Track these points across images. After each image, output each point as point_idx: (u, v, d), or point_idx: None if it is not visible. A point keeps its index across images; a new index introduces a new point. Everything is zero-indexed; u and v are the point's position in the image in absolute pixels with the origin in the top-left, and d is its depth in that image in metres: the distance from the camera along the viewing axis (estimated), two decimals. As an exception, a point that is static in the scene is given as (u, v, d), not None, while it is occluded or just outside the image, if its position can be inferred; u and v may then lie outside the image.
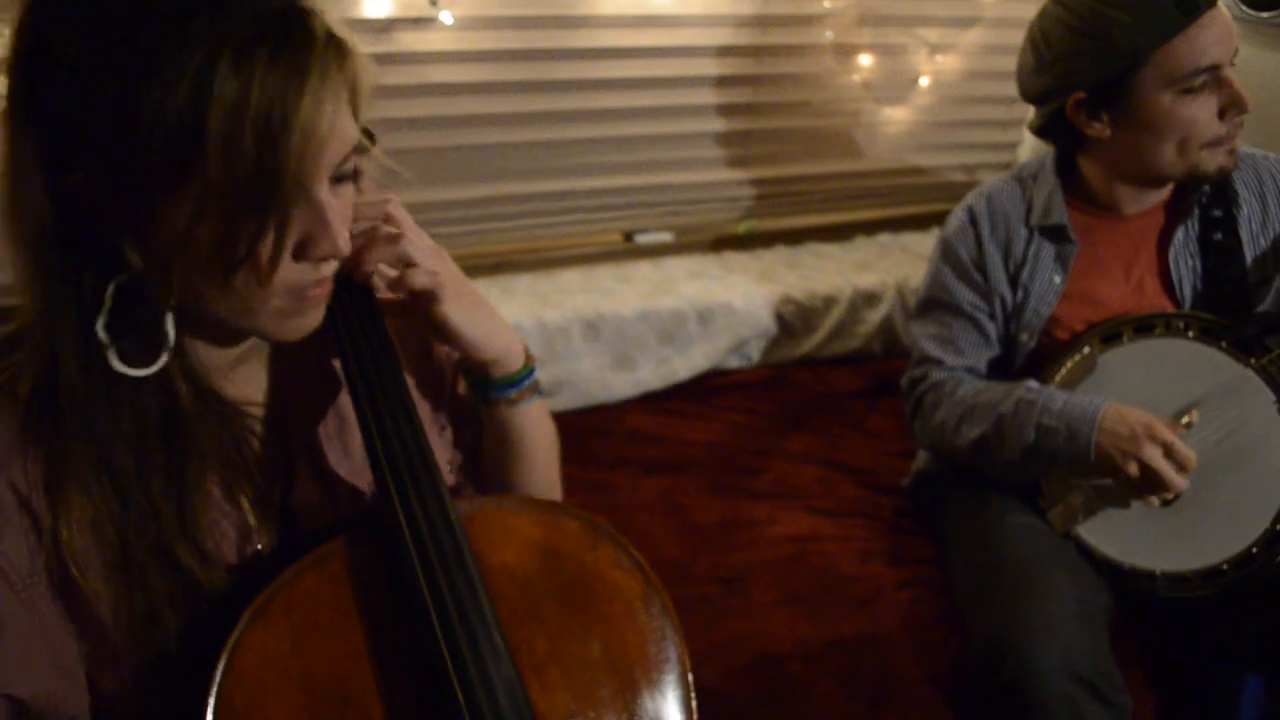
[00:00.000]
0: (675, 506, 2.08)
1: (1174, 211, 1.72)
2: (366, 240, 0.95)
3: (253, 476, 0.95)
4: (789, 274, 2.65)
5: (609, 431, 2.33)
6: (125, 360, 0.82)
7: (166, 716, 0.90)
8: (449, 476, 1.13)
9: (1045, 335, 1.74)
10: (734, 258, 2.74)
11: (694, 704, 0.94)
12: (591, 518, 1.01)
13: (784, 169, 2.74)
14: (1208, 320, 1.62)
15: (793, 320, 2.55)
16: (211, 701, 0.83)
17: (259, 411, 0.98)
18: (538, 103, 2.33)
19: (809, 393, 2.50)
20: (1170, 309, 1.69)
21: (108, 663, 0.88)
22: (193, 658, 0.87)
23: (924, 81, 2.73)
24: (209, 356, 0.92)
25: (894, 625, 1.69)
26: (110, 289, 0.80)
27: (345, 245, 0.81)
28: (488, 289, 2.44)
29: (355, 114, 0.84)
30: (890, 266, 2.71)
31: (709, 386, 2.50)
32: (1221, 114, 1.57)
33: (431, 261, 0.97)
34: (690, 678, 0.95)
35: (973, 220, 1.79)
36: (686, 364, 2.47)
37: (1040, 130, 1.75)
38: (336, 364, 1.01)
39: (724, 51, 2.46)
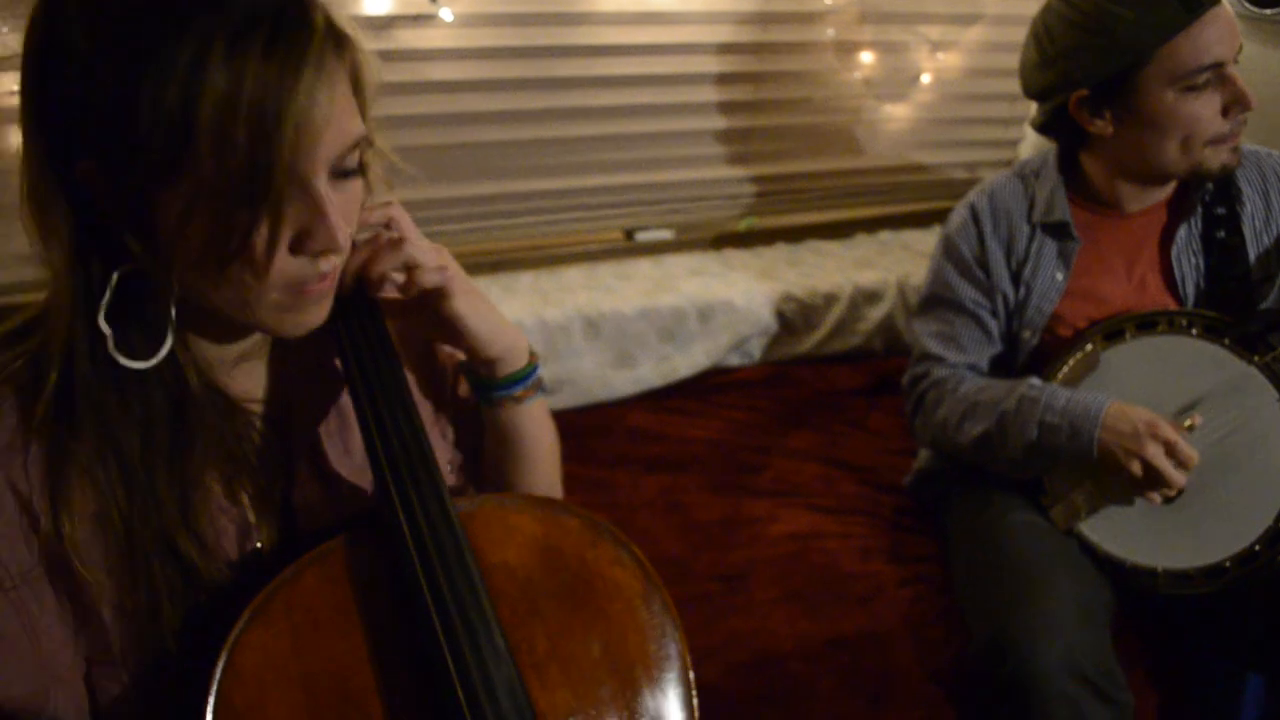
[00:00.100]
0: (676, 504, 2.08)
1: (1177, 209, 1.71)
2: (371, 250, 0.95)
3: (253, 473, 0.94)
4: (790, 271, 2.65)
5: (610, 429, 2.33)
6: (127, 351, 0.82)
7: (167, 717, 0.90)
8: (450, 476, 1.13)
9: (1047, 333, 1.74)
10: (735, 255, 2.74)
11: (695, 702, 0.94)
12: (592, 515, 1.01)
13: (785, 166, 2.74)
14: (1210, 318, 1.61)
15: (793, 318, 2.55)
16: (211, 701, 0.83)
17: (260, 409, 0.98)
18: (538, 100, 2.32)
19: (810, 390, 2.50)
20: (1173, 306, 1.68)
21: (108, 663, 0.88)
22: (192, 657, 0.86)
23: (925, 78, 2.73)
24: (212, 352, 0.92)
25: (895, 623, 1.69)
26: (114, 279, 0.80)
27: (345, 240, 0.80)
28: (489, 287, 2.44)
29: (363, 110, 0.83)
30: (891, 264, 2.71)
31: (710, 384, 2.50)
32: (1225, 111, 1.57)
33: (436, 259, 0.97)
34: (691, 675, 0.94)
35: (975, 217, 1.78)
36: (687, 362, 2.47)
37: (1042, 127, 1.75)
38: (339, 363, 1.01)
39: (725, 48, 2.46)
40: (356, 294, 0.98)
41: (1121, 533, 1.62)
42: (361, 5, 2.06)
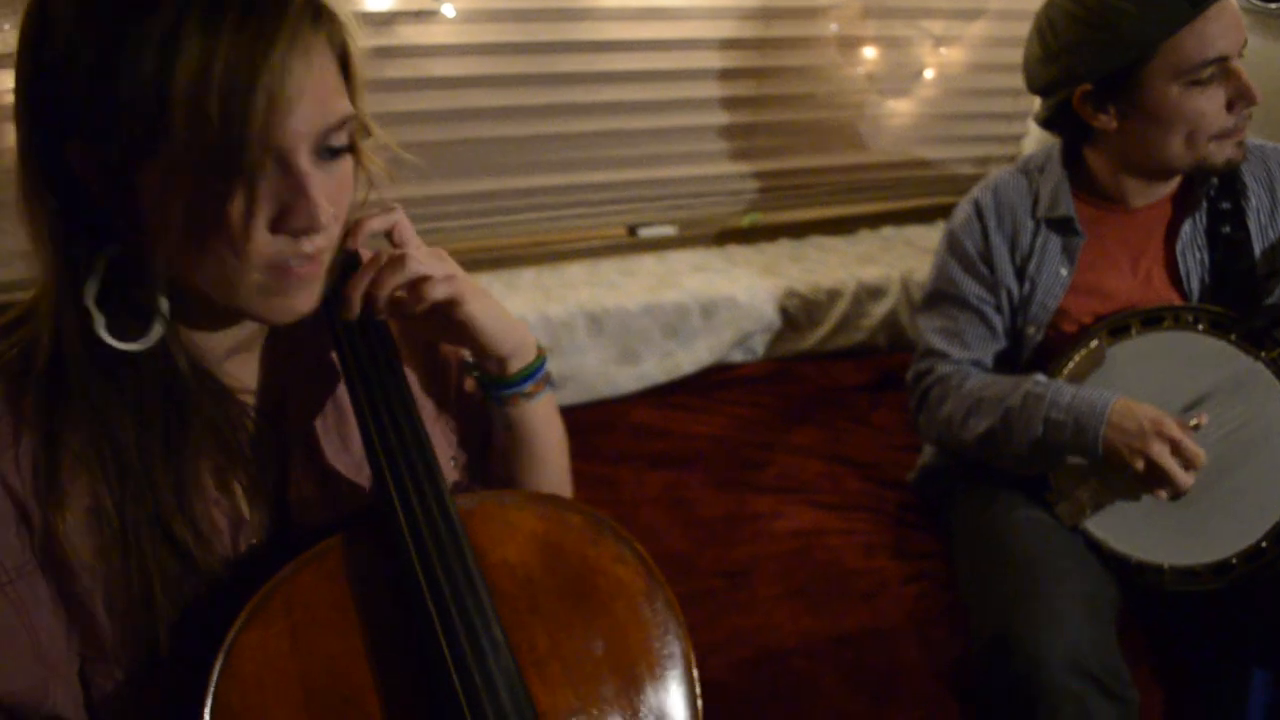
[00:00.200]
0: (679, 500, 2.08)
1: (1181, 204, 1.71)
2: (374, 273, 0.94)
3: (246, 464, 0.94)
4: (793, 267, 2.64)
5: (613, 426, 2.32)
6: (116, 333, 0.82)
7: (162, 714, 0.90)
8: (452, 474, 1.13)
9: (1052, 328, 1.73)
10: (737, 251, 2.74)
11: (699, 700, 0.93)
12: (594, 512, 1.00)
13: (787, 162, 2.73)
14: (1216, 313, 1.61)
15: (797, 314, 2.55)
16: (209, 701, 0.83)
17: (254, 400, 0.97)
18: (540, 96, 2.32)
19: (813, 386, 2.49)
20: (1178, 302, 1.68)
21: (101, 658, 0.88)
22: (186, 654, 0.86)
23: (928, 74, 2.72)
24: (204, 341, 0.91)
25: (899, 620, 1.69)
26: (101, 261, 0.81)
27: (327, 220, 0.79)
28: (491, 283, 2.44)
29: (351, 89, 0.83)
30: (894, 260, 2.70)
31: (713, 380, 2.49)
32: (1230, 106, 1.56)
33: (440, 268, 0.96)
34: (695, 673, 0.94)
35: (979, 213, 1.78)
36: (690, 358, 2.46)
37: (1046, 122, 1.74)
38: (334, 357, 1.00)
39: (728, 44, 2.45)
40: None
41: (1127, 529, 1.61)
42: (364, 1, 2.05)
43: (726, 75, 2.49)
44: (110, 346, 0.82)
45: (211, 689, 0.83)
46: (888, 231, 2.92)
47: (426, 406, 1.10)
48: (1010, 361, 1.80)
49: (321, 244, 0.83)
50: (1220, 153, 1.59)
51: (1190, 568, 1.57)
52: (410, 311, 0.96)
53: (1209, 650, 1.64)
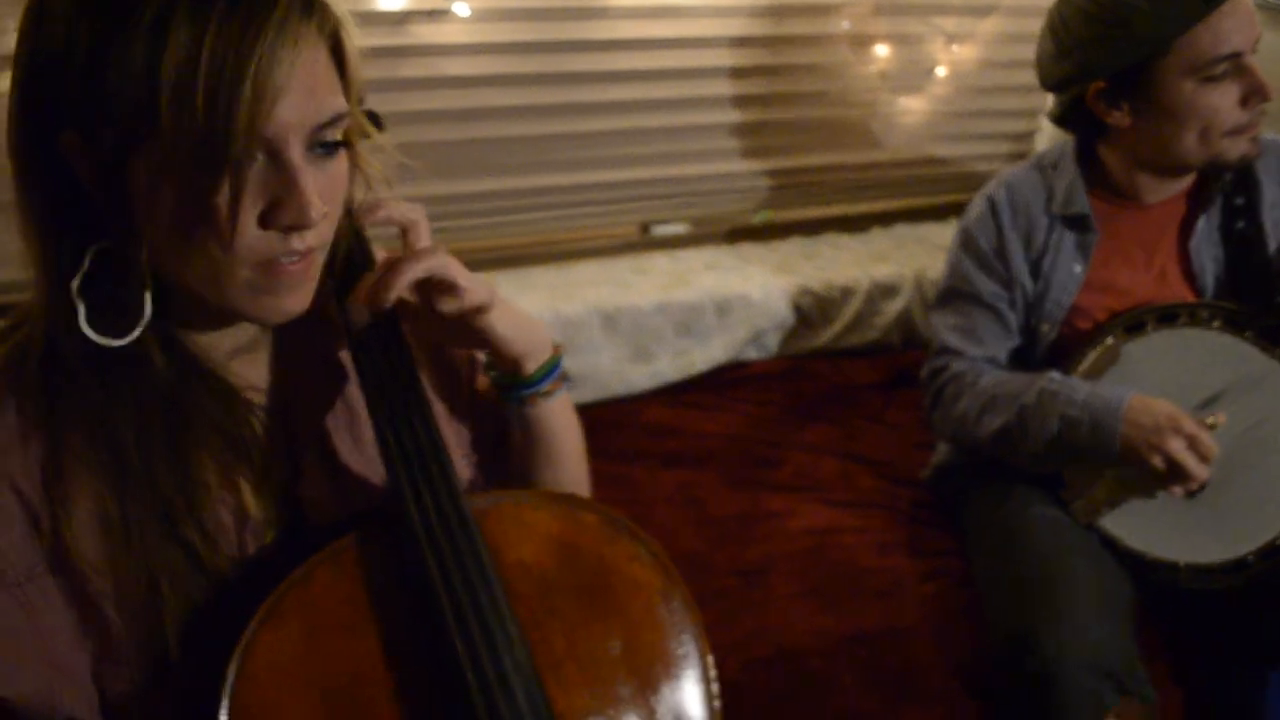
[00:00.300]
0: (693, 499, 2.08)
1: (1195, 200, 1.70)
2: (407, 263, 0.92)
3: (252, 461, 0.93)
4: (806, 265, 2.64)
5: (626, 424, 2.32)
6: (101, 329, 0.81)
7: (177, 716, 0.89)
8: (465, 473, 1.12)
9: (1066, 325, 1.73)
10: (750, 249, 2.73)
11: (716, 700, 0.93)
12: (610, 511, 0.99)
13: (800, 160, 2.73)
14: (1232, 310, 1.60)
15: (810, 311, 2.54)
16: (225, 703, 0.82)
17: (262, 399, 0.97)
18: (553, 95, 2.32)
19: (827, 384, 2.49)
20: (1193, 298, 1.67)
21: (114, 660, 0.88)
22: (198, 654, 0.86)
23: (940, 71, 2.72)
24: (206, 341, 0.91)
25: (915, 618, 1.69)
26: (88, 255, 0.80)
27: (318, 216, 0.78)
28: (505, 282, 2.44)
29: (346, 85, 0.82)
30: (907, 257, 2.70)
31: (726, 378, 2.49)
32: (1243, 102, 1.56)
33: (467, 274, 0.95)
34: (712, 673, 0.93)
35: (993, 209, 1.77)
36: (704, 356, 2.46)
37: (1060, 119, 1.74)
38: (344, 356, 1.00)
39: (739, 42, 2.45)
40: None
41: (1143, 526, 1.61)
42: (377, 1, 2.06)
43: (738, 73, 2.49)
44: (99, 344, 0.81)
45: (228, 690, 0.83)
46: (901, 229, 2.91)
47: (439, 406, 1.09)
48: (1025, 359, 1.80)
49: (312, 241, 0.81)
50: (1234, 149, 1.59)
51: (1206, 565, 1.57)
52: (448, 311, 0.95)
53: (1225, 649, 1.64)
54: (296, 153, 0.77)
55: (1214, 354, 1.60)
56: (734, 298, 2.46)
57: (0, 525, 0.82)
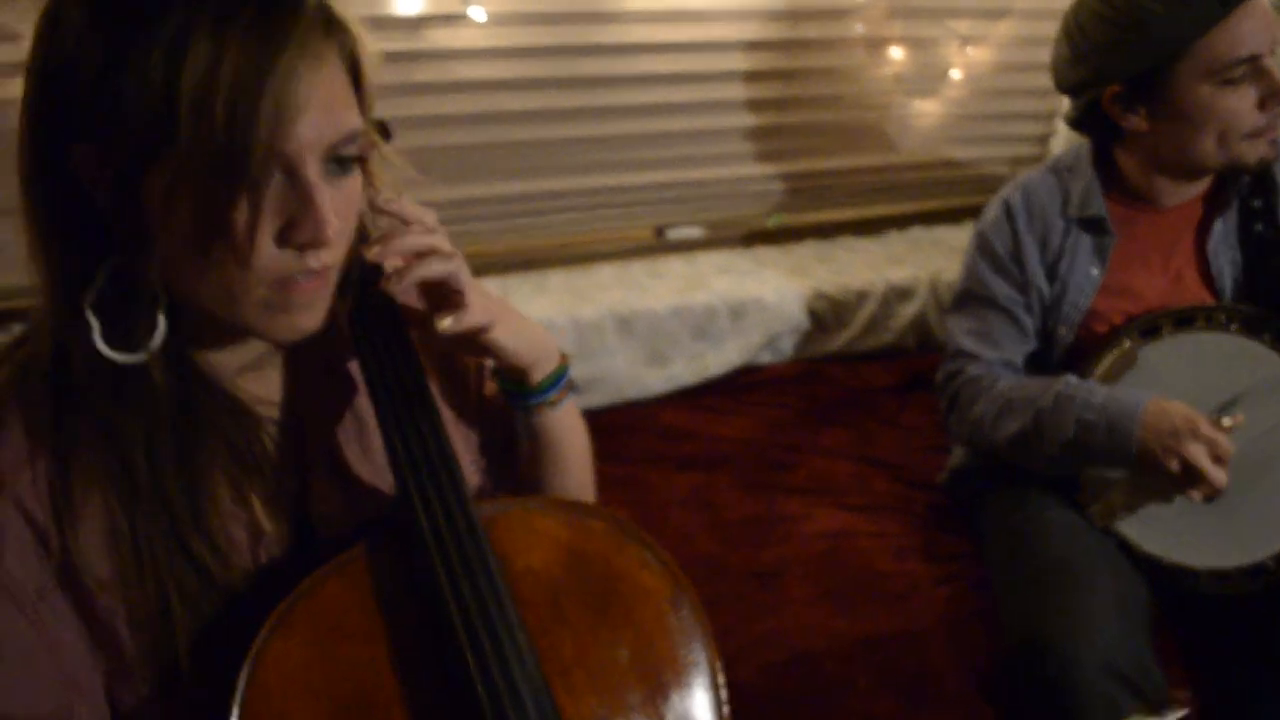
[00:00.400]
0: (708, 503, 2.08)
1: (1213, 203, 1.70)
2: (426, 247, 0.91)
3: (264, 476, 0.93)
4: (820, 268, 2.64)
5: (642, 428, 2.32)
6: (114, 345, 0.81)
7: None
8: (473, 479, 1.12)
9: (1083, 329, 1.72)
10: (765, 252, 2.74)
11: (725, 706, 0.92)
12: (618, 518, 0.99)
13: (814, 163, 2.73)
14: (1249, 313, 1.60)
15: (825, 315, 2.54)
16: (235, 713, 0.83)
17: (273, 412, 0.97)
18: (569, 99, 2.33)
19: (842, 388, 2.49)
20: (1210, 302, 1.67)
21: (125, 675, 0.88)
22: (209, 667, 0.86)
23: (955, 74, 2.71)
24: (216, 358, 0.91)
25: (931, 622, 1.68)
26: (103, 270, 0.80)
27: (334, 234, 0.78)
28: (520, 285, 2.45)
29: (362, 102, 0.82)
30: (922, 260, 2.70)
31: (741, 382, 2.49)
32: (1261, 105, 1.55)
33: (475, 289, 0.95)
34: (721, 679, 0.93)
35: (1009, 213, 1.77)
36: (719, 359, 2.47)
37: (1076, 122, 1.73)
38: (353, 367, 1.00)
39: (755, 46, 2.45)
40: (375, 300, 0.97)
41: (1160, 531, 1.60)
42: (393, 5, 2.06)
43: (753, 77, 2.49)
44: (110, 360, 0.81)
45: (238, 700, 0.83)
46: (916, 232, 2.91)
47: (447, 412, 1.09)
48: (1041, 363, 1.79)
49: (328, 260, 0.81)
50: (1253, 152, 1.58)
51: (1223, 570, 1.56)
52: (449, 331, 0.94)
53: (1243, 654, 1.63)
54: (313, 170, 0.76)
55: (1231, 357, 1.59)
56: (749, 301, 2.47)
57: (9, 547, 0.82)
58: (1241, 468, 1.49)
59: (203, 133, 0.70)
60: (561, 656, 0.90)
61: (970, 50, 2.68)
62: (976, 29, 2.67)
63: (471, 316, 0.94)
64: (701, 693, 0.92)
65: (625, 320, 2.37)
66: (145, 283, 0.79)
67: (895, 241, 2.86)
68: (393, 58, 2.09)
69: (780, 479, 2.16)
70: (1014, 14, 2.67)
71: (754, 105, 2.54)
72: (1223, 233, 1.67)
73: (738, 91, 2.50)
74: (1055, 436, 1.59)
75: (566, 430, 1.10)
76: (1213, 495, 1.51)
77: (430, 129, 2.21)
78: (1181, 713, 1.15)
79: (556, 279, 2.51)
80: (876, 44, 2.60)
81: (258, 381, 0.96)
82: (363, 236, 0.91)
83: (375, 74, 0.84)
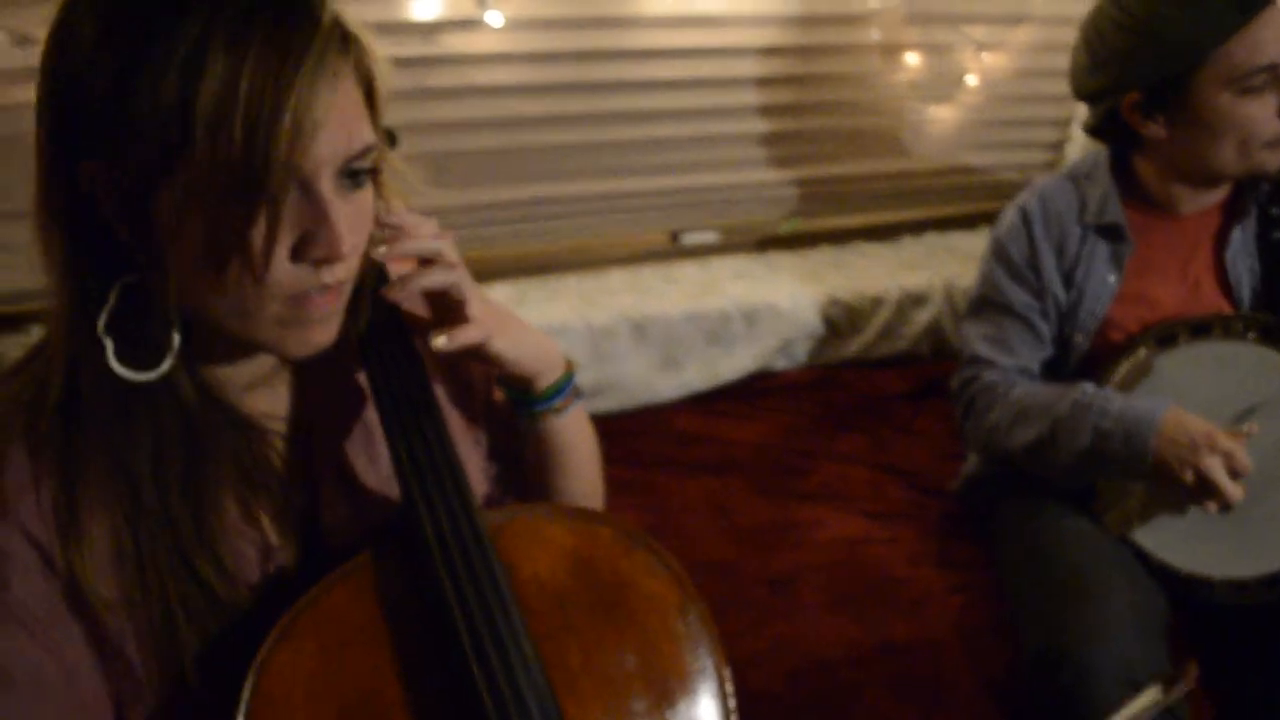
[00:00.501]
0: (722, 508, 2.07)
1: (1231, 211, 1.69)
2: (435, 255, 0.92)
3: (272, 492, 0.93)
4: (835, 274, 2.63)
5: (655, 432, 2.32)
6: (127, 363, 0.80)
7: None
8: (482, 486, 1.13)
9: (1099, 337, 1.72)
10: (779, 258, 2.73)
11: (733, 715, 0.92)
12: (625, 524, 0.99)
13: (830, 169, 2.73)
14: (1267, 322, 1.59)
15: (839, 321, 2.54)
16: None
17: (281, 427, 0.97)
18: (583, 104, 2.33)
19: (856, 394, 2.48)
20: (1228, 310, 1.66)
21: (132, 692, 0.87)
22: (217, 681, 0.86)
23: (971, 80, 2.70)
24: (224, 374, 0.91)
25: (945, 630, 1.68)
26: (115, 288, 0.79)
27: (349, 250, 0.78)
28: (534, 290, 2.45)
29: (374, 116, 0.82)
30: (937, 266, 2.69)
31: (755, 387, 2.49)
32: (1281, 113, 1.54)
33: (476, 300, 0.95)
34: (729, 687, 0.92)
35: (1025, 220, 1.76)
36: (732, 365, 2.46)
37: (1094, 130, 1.73)
38: (361, 378, 1.00)
39: (770, 51, 2.45)
40: (380, 308, 0.97)
41: (1176, 540, 1.60)
42: (410, 10, 2.07)
43: (768, 82, 2.49)
44: (122, 378, 0.80)
45: (243, 709, 0.83)
46: (930, 238, 2.90)
47: (454, 419, 1.09)
48: (1056, 370, 1.78)
49: (342, 275, 0.81)
50: (1273, 160, 1.57)
51: (1240, 579, 1.56)
52: (445, 350, 0.94)
53: (1260, 664, 1.62)
54: (328, 185, 0.76)
55: (1248, 367, 1.59)
56: (763, 306, 2.46)
57: (17, 574, 0.82)
58: (1259, 477, 1.49)
59: (220, 150, 0.69)
60: (568, 664, 0.89)
61: (986, 56, 2.67)
62: (992, 35, 2.66)
63: (466, 334, 0.94)
64: (709, 700, 0.92)
65: (639, 325, 2.37)
66: (160, 300, 0.79)
67: (910, 247, 2.85)
68: (409, 63, 2.09)
69: (794, 485, 2.15)
70: (1030, 20, 2.66)
71: (769, 110, 2.54)
72: (1241, 241, 1.66)
73: (753, 97, 2.50)
74: (1071, 445, 1.58)
75: (573, 436, 1.10)
76: (1227, 507, 1.50)
77: (446, 134, 2.21)
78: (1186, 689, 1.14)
79: (570, 283, 2.50)
80: (892, 50, 2.59)
81: (266, 396, 0.96)
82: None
83: (387, 87, 0.84)
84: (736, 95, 2.48)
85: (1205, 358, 1.61)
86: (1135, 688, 1.35)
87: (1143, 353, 1.63)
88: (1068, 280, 1.73)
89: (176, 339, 0.82)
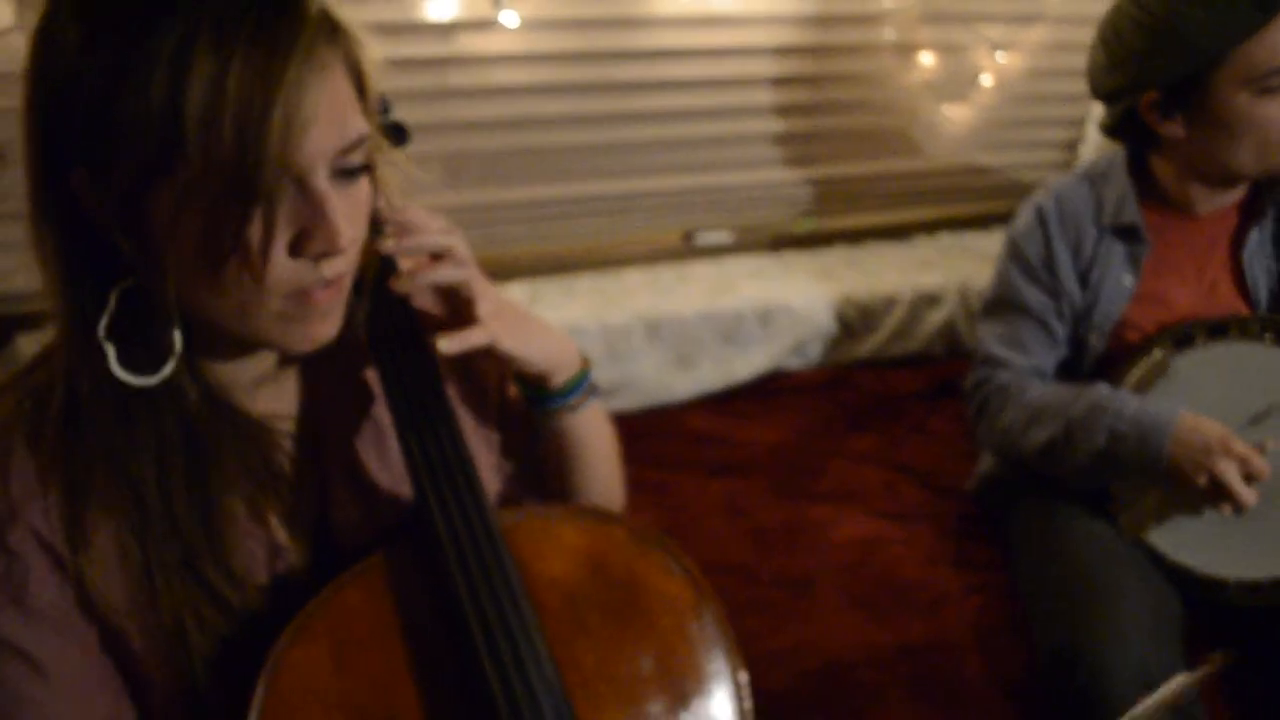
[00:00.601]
0: (737, 508, 2.07)
1: (1248, 211, 1.68)
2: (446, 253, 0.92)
3: (280, 493, 0.93)
4: (849, 274, 2.64)
5: (670, 432, 2.32)
6: (130, 368, 0.80)
7: None
8: (494, 484, 1.12)
9: (1114, 337, 1.71)
10: (794, 258, 2.73)
11: (749, 717, 0.91)
12: (640, 524, 0.99)
13: (843, 168, 2.73)
14: (1283, 323, 1.58)
15: (853, 321, 2.54)
16: None
17: (289, 426, 0.96)
18: (598, 104, 2.33)
19: (870, 394, 2.48)
20: (1244, 311, 1.65)
21: (143, 694, 0.88)
22: (228, 682, 0.86)
23: (986, 80, 2.70)
24: (226, 374, 0.90)
25: (962, 632, 1.68)
26: (115, 293, 0.79)
27: (347, 243, 0.77)
28: (549, 289, 2.46)
29: (365, 106, 0.81)
30: (952, 266, 2.69)
31: (769, 387, 2.49)
32: (1301, 113, 1.54)
33: (486, 297, 0.95)
34: (746, 688, 0.92)
35: (1041, 220, 1.76)
36: (747, 364, 2.46)
37: (1111, 129, 1.72)
38: (369, 375, 1.00)
39: (784, 51, 2.45)
40: (393, 307, 0.97)
41: (1191, 542, 1.59)
42: (425, 11, 2.07)
43: (783, 82, 2.49)
44: (123, 383, 0.80)
45: (257, 709, 0.83)
46: (945, 238, 2.90)
47: (467, 417, 1.09)
48: (1071, 370, 1.78)
49: (341, 268, 0.81)
50: (1291, 160, 1.57)
51: (1255, 582, 1.55)
52: (449, 352, 0.94)
53: (1275, 667, 1.61)
54: (323, 179, 0.76)
55: (1265, 368, 1.58)
56: (777, 306, 2.46)
57: (35, 578, 0.82)
58: (1273, 480, 1.48)
59: (211, 150, 0.69)
60: (581, 665, 0.89)
61: (1000, 56, 2.67)
62: (1007, 34, 2.65)
63: (470, 337, 0.94)
64: (725, 702, 0.91)
65: (653, 325, 2.37)
66: (160, 304, 0.78)
67: (924, 247, 2.85)
68: (425, 63, 2.10)
69: (808, 485, 2.15)
70: (1045, 19, 2.65)
71: (783, 110, 2.54)
72: (1258, 242, 1.66)
73: (767, 96, 2.50)
74: (1086, 446, 1.58)
75: (589, 434, 1.10)
76: (1242, 511, 1.50)
77: (461, 134, 2.21)
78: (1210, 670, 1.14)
79: (585, 283, 2.51)
80: (906, 49, 2.59)
81: (273, 395, 0.95)
82: (374, 238, 0.91)
83: (376, 77, 0.83)
84: (751, 95, 2.49)
85: (1222, 359, 1.61)
86: (1150, 689, 1.36)
87: (1159, 354, 1.63)
88: (1083, 280, 1.73)
89: (178, 341, 0.82)
